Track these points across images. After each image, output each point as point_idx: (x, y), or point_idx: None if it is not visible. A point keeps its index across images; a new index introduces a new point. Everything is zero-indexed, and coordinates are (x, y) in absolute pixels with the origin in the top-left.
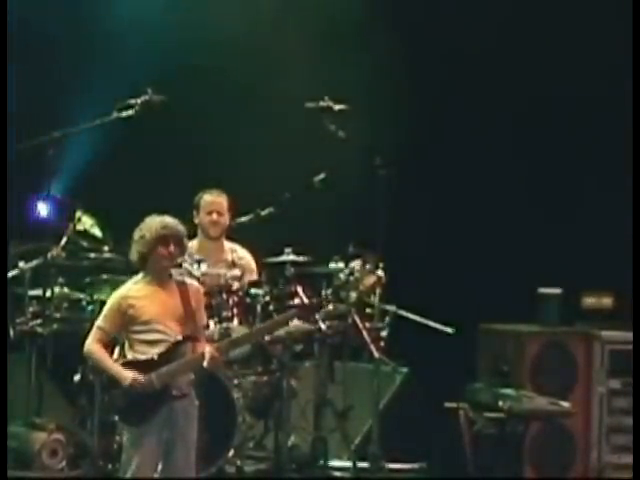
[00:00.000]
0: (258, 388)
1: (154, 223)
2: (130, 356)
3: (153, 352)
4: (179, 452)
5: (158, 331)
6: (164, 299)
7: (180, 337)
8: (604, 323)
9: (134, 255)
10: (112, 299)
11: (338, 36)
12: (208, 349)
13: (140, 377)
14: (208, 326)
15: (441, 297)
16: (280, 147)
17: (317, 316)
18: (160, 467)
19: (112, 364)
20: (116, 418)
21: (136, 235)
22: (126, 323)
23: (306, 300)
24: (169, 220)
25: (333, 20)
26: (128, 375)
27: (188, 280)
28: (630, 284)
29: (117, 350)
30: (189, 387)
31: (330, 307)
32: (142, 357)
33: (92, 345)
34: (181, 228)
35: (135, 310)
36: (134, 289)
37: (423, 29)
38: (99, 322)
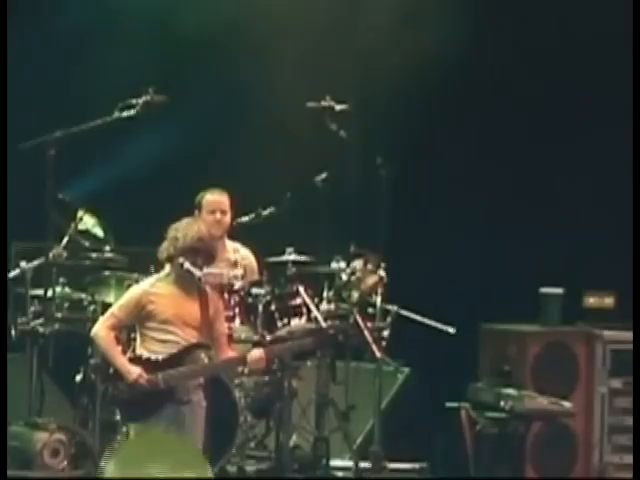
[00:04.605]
0: (260, 388)
1: (191, 231)
2: (140, 352)
3: (163, 352)
4: None
5: (172, 332)
6: (183, 302)
7: (193, 342)
8: (606, 323)
9: (162, 252)
10: (133, 291)
11: (337, 35)
12: (257, 352)
13: (145, 375)
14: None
15: (443, 297)
16: (281, 147)
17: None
18: None
19: (118, 355)
20: (117, 412)
21: (171, 233)
22: (142, 318)
23: (324, 324)
24: (205, 232)
25: (332, 18)
26: (134, 370)
27: (209, 288)
28: (631, 284)
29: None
30: (197, 391)
31: (332, 307)
32: (152, 355)
33: (102, 330)
34: (214, 244)
35: (154, 307)
36: (157, 286)
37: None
38: (114, 309)
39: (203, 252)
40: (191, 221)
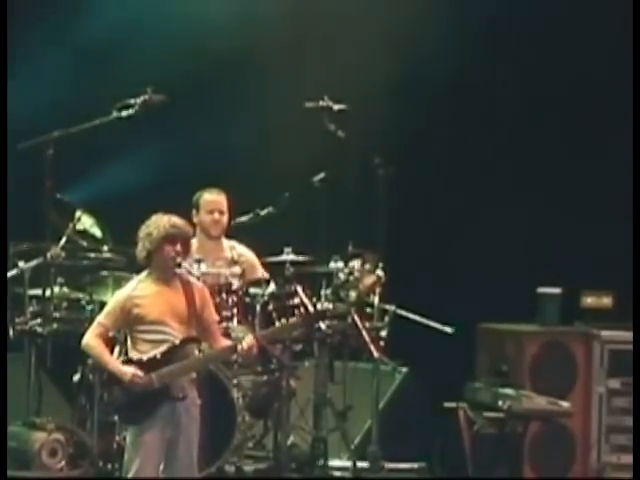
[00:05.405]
0: (258, 388)
1: (162, 221)
2: (133, 355)
3: (155, 352)
4: (182, 451)
5: (162, 332)
6: (169, 299)
7: (183, 338)
8: (604, 323)
9: (140, 252)
10: (117, 297)
11: (337, 35)
12: (248, 339)
13: (140, 374)
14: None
15: (441, 297)
16: (279, 146)
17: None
18: (162, 467)
19: (111, 360)
20: (115, 417)
21: (143, 232)
22: (130, 322)
23: (310, 307)
24: (177, 220)
25: (331, 19)
26: (128, 371)
27: (193, 279)
28: (630, 284)
29: (117, 349)
30: (191, 388)
31: (330, 306)
32: (143, 356)
33: (91, 339)
34: (189, 229)
35: (140, 310)
36: (139, 288)
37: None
38: (100, 318)
39: (180, 239)
40: (160, 215)
